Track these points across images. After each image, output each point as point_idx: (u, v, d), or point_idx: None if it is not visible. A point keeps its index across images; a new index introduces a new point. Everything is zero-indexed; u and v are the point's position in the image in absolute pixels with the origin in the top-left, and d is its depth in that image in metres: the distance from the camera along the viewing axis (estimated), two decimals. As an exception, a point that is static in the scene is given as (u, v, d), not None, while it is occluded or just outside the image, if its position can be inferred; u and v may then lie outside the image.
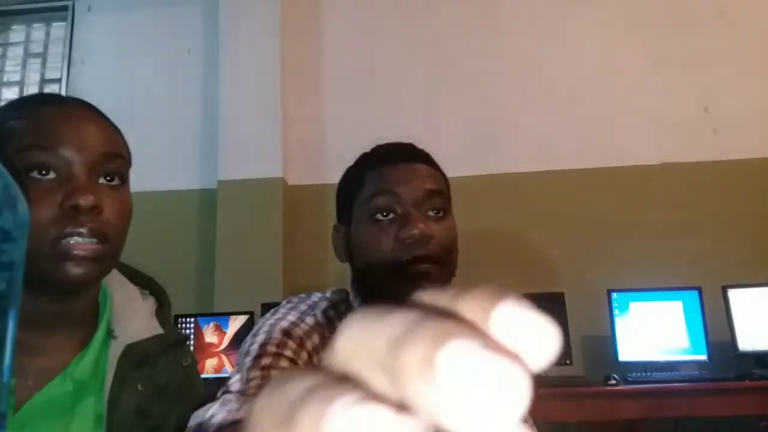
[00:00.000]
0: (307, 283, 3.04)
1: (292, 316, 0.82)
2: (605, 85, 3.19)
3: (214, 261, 3.06)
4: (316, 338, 0.80)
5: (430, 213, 0.82)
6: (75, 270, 0.63)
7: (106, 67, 3.54)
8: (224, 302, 2.95)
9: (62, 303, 0.69)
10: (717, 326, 2.59)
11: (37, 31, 3.79)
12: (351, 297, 0.91)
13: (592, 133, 3.14)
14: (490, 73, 3.27)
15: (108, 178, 0.68)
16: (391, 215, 0.81)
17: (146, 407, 0.70)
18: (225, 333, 2.77)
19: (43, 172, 0.64)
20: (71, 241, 0.63)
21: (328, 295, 0.90)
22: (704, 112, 3.10)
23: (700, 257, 2.90)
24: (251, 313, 2.77)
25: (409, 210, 0.81)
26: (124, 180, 0.71)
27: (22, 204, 0.44)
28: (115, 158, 0.69)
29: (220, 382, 0.74)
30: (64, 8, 3.68)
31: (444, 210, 0.84)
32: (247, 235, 3.04)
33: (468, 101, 3.25)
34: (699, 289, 2.65)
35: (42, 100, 0.71)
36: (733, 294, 2.62)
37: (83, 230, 0.63)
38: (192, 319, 2.80)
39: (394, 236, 0.80)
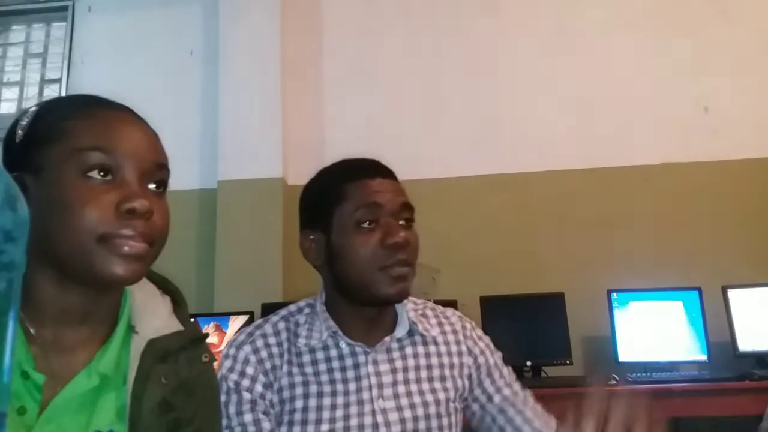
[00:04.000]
0: (307, 283, 3.03)
1: (229, 366, 0.98)
2: (605, 85, 3.18)
3: (214, 261, 3.06)
4: (263, 353, 0.96)
5: (402, 223, 0.95)
6: (122, 267, 0.66)
7: (106, 67, 3.54)
8: (224, 302, 2.95)
9: (93, 299, 0.70)
10: (717, 326, 2.59)
11: (37, 31, 3.79)
12: (320, 301, 1.01)
13: (592, 133, 3.13)
14: (490, 73, 3.27)
15: (154, 185, 0.72)
16: (374, 224, 0.93)
17: (170, 400, 0.72)
18: (225, 333, 2.77)
19: (101, 174, 0.66)
20: (122, 241, 0.66)
21: (273, 319, 1.02)
22: (704, 113, 3.10)
23: (700, 257, 2.90)
24: (251, 313, 2.77)
25: (390, 220, 0.93)
26: (166, 189, 0.75)
27: (22, 204, 0.44)
28: (162, 168, 0.74)
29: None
30: (64, 8, 3.68)
31: (413, 220, 0.97)
32: (247, 235, 3.04)
33: (468, 101, 3.25)
34: (699, 290, 2.65)
35: (93, 102, 0.73)
36: (733, 294, 2.62)
37: (135, 233, 0.66)
38: (192, 319, 2.79)
39: (379, 242, 0.92)
